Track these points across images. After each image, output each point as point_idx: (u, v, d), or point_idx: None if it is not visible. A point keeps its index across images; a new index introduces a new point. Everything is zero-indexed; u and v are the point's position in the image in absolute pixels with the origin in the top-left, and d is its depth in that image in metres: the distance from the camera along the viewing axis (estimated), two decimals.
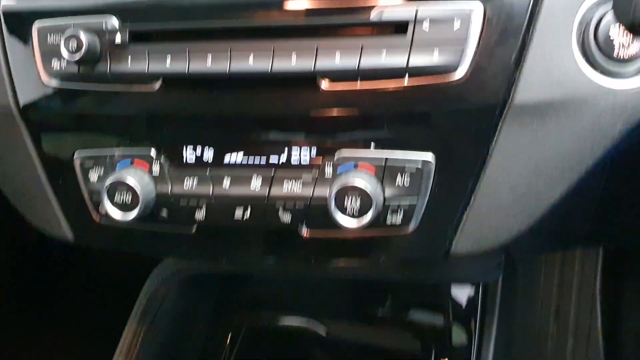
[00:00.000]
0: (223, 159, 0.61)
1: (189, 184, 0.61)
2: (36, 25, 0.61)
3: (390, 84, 0.54)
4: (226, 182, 0.61)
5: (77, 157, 0.64)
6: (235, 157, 0.60)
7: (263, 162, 0.60)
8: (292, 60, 0.54)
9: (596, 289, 1.16)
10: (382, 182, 0.57)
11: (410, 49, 0.53)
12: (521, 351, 1.13)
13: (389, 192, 0.57)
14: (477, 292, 0.87)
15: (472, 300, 0.87)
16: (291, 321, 0.98)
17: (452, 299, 0.86)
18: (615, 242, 1.06)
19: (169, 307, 0.88)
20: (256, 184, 0.60)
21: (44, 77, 0.61)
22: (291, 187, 0.59)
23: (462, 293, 0.87)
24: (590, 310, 1.18)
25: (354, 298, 0.87)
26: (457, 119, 0.55)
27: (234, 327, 1.02)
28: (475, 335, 0.85)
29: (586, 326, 1.18)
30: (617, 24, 0.50)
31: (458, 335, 0.87)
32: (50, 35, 0.60)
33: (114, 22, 0.58)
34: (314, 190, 0.59)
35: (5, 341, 1.48)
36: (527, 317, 1.16)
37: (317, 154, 0.58)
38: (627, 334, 1.20)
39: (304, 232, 0.61)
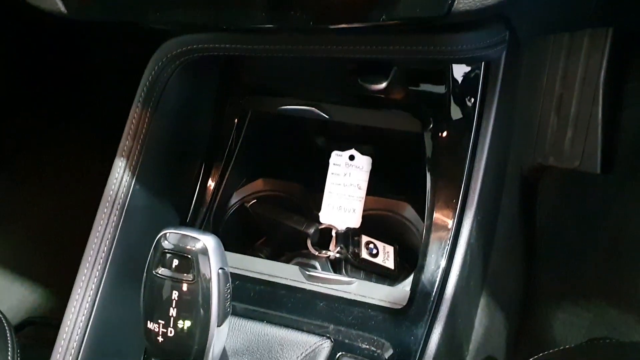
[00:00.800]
0: None
1: None
2: None
3: None
4: None
5: None
6: None
7: None
8: None
9: (600, 81, 1.16)
10: None
11: None
12: (521, 140, 1.16)
13: None
14: (478, 70, 0.86)
15: (473, 79, 0.87)
16: (293, 107, 0.99)
17: (453, 77, 0.86)
18: (625, 23, 1.03)
19: (172, 91, 0.89)
20: None
21: None
22: None
23: (463, 73, 0.87)
24: (592, 102, 1.19)
25: (354, 83, 0.87)
26: None
27: (239, 112, 1.03)
28: (475, 111, 0.86)
29: (586, 117, 1.19)
30: None
31: (457, 111, 0.88)
32: None
33: None
34: None
35: (16, 130, 1.54)
36: (529, 106, 1.17)
37: None
38: (624, 127, 1.22)
39: None
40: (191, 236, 0.63)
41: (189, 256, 0.62)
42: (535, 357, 0.74)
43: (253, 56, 0.83)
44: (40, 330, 1.34)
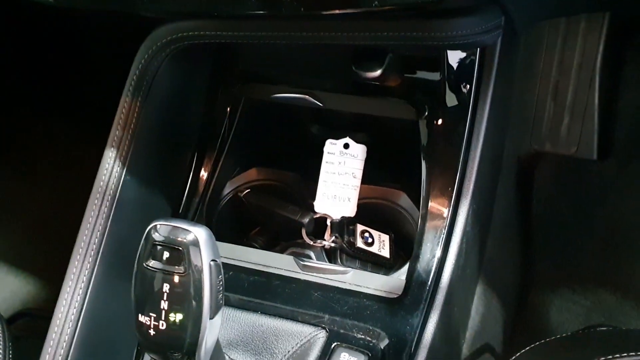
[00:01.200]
0: None
1: None
2: None
3: None
4: None
5: None
6: None
7: None
8: None
9: (596, 66, 1.15)
10: None
11: None
12: (517, 127, 1.15)
13: None
14: (474, 56, 0.85)
15: (468, 66, 0.85)
16: (287, 94, 0.98)
17: (449, 64, 0.85)
18: (621, 8, 1.02)
19: (162, 80, 0.87)
20: None
21: None
22: None
23: (458, 59, 0.85)
24: (589, 88, 1.18)
25: (348, 71, 0.86)
26: None
27: (232, 101, 1.02)
28: (471, 98, 0.85)
29: (583, 103, 1.18)
30: None
31: (452, 98, 0.87)
32: None
33: None
34: None
35: (9, 126, 1.53)
36: (525, 93, 1.16)
37: None
38: (621, 113, 1.21)
39: None
40: (182, 228, 0.62)
41: (180, 248, 0.61)
42: (532, 345, 0.73)
43: (245, 43, 0.82)
44: (33, 322, 1.33)
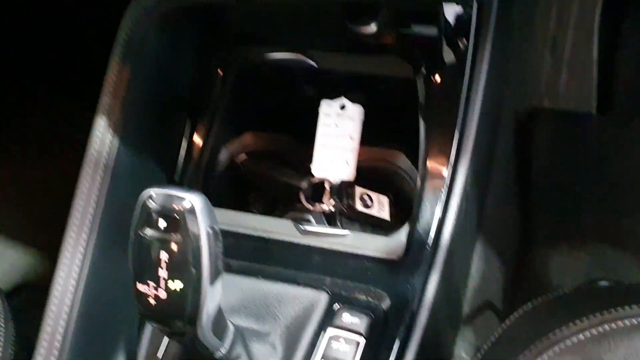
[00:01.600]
0: None
1: None
2: None
3: None
4: None
5: None
6: None
7: None
8: None
9: (595, 21, 1.13)
10: None
11: None
12: (515, 83, 1.13)
13: None
14: (470, 10, 0.83)
15: (465, 21, 0.83)
16: (280, 55, 0.96)
17: (445, 18, 0.82)
18: None
19: (151, 46, 0.85)
20: None
21: None
22: None
23: (455, 13, 0.83)
24: (587, 43, 1.16)
25: (342, 28, 0.84)
26: None
27: (223, 63, 1.00)
28: (468, 53, 0.83)
29: (582, 58, 1.17)
30: None
31: (449, 54, 0.85)
32: None
33: None
34: None
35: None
36: (523, 47, 1.14)
37: None
38: (620, 66, 1.20)
39: None
40: (177, 195, 0.60)
41: (177, 216, 0.60)
42: (534, 301, 0.73)
43: (234, 5, 0.79)
44: (33, 295, 1.33)
